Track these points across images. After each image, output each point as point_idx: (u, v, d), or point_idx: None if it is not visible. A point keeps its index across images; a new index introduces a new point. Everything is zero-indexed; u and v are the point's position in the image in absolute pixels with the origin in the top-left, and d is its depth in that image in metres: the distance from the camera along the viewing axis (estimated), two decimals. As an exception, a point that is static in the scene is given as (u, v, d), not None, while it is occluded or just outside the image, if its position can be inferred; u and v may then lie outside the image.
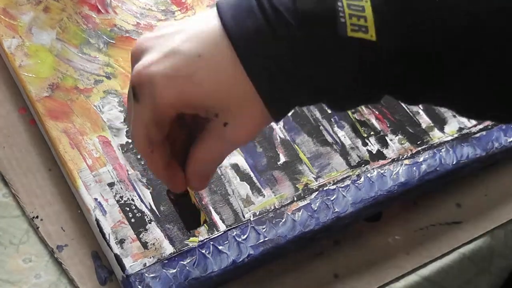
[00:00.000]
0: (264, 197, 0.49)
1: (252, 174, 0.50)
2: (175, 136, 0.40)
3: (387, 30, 0.35)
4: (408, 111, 0.54)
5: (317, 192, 0.49)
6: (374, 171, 0.51)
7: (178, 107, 0.36)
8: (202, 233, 0.46)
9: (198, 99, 0.36)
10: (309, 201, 0.49)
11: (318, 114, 0.53)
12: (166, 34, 0.37)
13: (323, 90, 0.36)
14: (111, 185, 0.48)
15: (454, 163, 0.52)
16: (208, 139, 0.38)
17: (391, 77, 0.36)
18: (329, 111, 0.53)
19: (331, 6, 0.35)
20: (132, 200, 0.47)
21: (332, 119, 0.53)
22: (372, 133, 0.53)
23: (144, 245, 0.46)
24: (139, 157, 0.49)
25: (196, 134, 0.39)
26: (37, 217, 0.48)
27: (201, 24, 0.36)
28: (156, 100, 0.36)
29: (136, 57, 0.37)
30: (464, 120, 0.54)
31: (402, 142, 0.53)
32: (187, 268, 0.45)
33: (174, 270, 0.45)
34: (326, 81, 0.36)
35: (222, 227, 0.47)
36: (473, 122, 0.54)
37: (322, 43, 0.35)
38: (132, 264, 0.45)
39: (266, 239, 0.47)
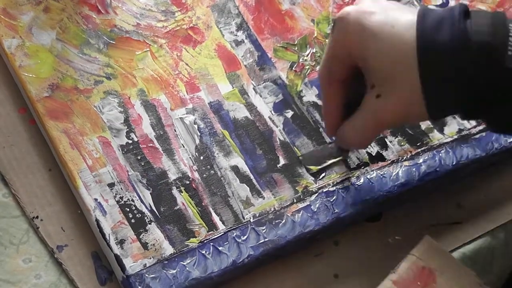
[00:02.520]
0: (264, 199, 0.49)
1: (252, 176, 0.50)
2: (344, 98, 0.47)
3: None
4: (408, 112, 0.54)
5: (316, 194, 0.49)
6: (373, 173, 0.51)
7: (353, 51, 0.43)
8: (202, 234, 0.47)
9: (369, 56, 0.42)
10: (309, 203, 0.49)
11: (318, 117, 0.53)
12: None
13: (477, 111, 0.42)
14: (111, 185, 0.48)
15: (453, 164, 0.52)
16: (358, 112, 0.45)
17: None
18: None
19: (503, 40, 0.40)
20: (132, 200, 0.47)
21: (332, 120, 0.53)
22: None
23: (144, 245, 0.46)
24: (139, 158, 0.49)
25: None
26: (37, 217, 0.48)
27: (406, 12, 0.43)
28: (343, 36, 0.44)
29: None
30: (463, 121, 0.54)
31: (402, 143, 0.53)
32: (187, 268, 0.45)
33: (174, 271, 0.45)
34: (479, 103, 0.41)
35: (222, 228, 0.47)
36: (473, 123, 0.54)
37: (486, 70, 0.40)
38: (132, 265, 0.45)
39: (266, 239, 0.47)
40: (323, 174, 0.50)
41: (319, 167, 0.50)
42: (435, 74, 0.41)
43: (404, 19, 0.42)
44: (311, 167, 0.50)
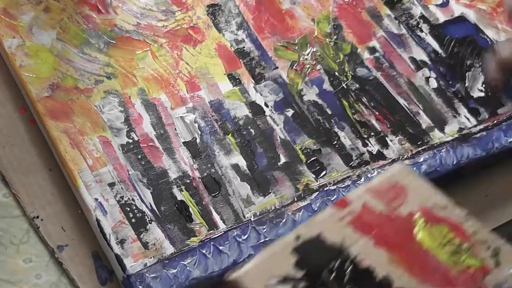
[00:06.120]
0: (264, 197, 0.49)
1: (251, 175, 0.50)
2: None
3: None
4: (408, 111, 0.54)
5: (317, 193, 0.49)
6: (374, 172, 0.51)
7: None
8: (203, 233, 0.47)
9: None
10: (309, 202, 0.49)
11: (318, 115, 0.53)
12: None
13: None
14: (111, 185, 0.48)
15: (454, 163, 0.52)
16: None
17: None
18: (330, 112, 0.53)
19: None
20: (133, 200, 0.47)
21: (332, 120, 0.53)
22: (372, 133, 0.53)
23: (145, 245, 0.46)
24: (139, 157, 0.49)
25: None
26: (37, 217, 0.48)
27: None
28: None
29: None
30: (464, 120, 0.54)
31: (402, 142, 0.53)
32: (187, 268, 0.45)
33: (175, 270, 0.45)
34: None
35: (222, 227, 0.47)
36: (473, 122, 0.54)
37: None
38: (132, 264, 0.45)
39: (266, 239, 0.47)
40: (323, 172, 0.50)
41: None
42: None
43: None
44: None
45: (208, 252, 0.46)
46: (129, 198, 0.47)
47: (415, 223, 0.40)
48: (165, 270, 0.45)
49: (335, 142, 0.52)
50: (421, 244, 0.40)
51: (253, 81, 0.54)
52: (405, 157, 0.52)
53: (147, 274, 0.44)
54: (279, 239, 0.39)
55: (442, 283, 0.38)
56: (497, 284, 0.38)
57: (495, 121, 0.54)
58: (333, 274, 0.37)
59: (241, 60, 0.55)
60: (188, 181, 0.49)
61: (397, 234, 0.40)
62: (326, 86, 0.55)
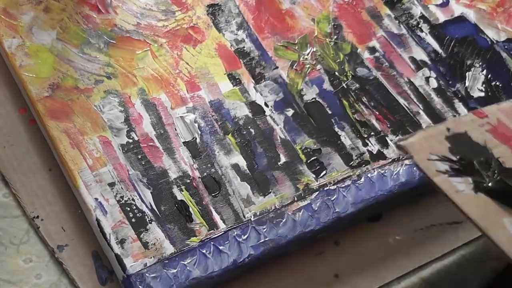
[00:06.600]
0: (264, 197, 0.49)
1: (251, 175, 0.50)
2: None
3: None
4: (408, 111, 0.54)
5: (317, 192, 0.49)
6: (374, 171, 0.51)
7: None
8: (203, 233, 0.47)
9: None
10: (309, 201, 0.49)
11: (318, 115, 0.53)
12: None
13: None
14: (111, 185, 0.48)
15: (454, 163, 0.52)
16: None
17: None
18: (330, 112, 0.53)
19: None
20: (133, 200, 0.47)
21: (332, 119, 0.53)
22: (372, 133, 0.53)
23: (145, 245, 0.46)
24: (139, 157, 0.49)
25: None
26: (37, 217, 0.48)
27: None
28: None
29: None
30: (464, 120, 0.54)
31: (403, 142, 0.53)
32: (187, 268, 0.45)
33: (175, 270, 0.45)
34: None
35: (222, 227, 0.47)
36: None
37: None
38: (132, 264, 0.45)
39: (266, 239, 0.47)
40: (323, 172, 0.50)
41: None
42: None
43: None
44: None
45: (208, 252, 0.46)
46: (129, 198, 0.47)
47: None
48: (165, 270, 0.45)
49: (335, 141, 0.52)
50: None
51: (253, 81, 0.54)
52: (405, 156, 0.52)
53: (147, 274, 0.44)
54: (431, 126, 0.43)
55: None
56: None
57: (495, 121, 0.54)
58: (483, 165, 0.40)
59: (241, 60, 0.55)
60: (188, 181, 0.49)
61: None
62: (326, 86, 0.55)
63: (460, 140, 0.41)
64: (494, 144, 0.41)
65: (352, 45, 0.57)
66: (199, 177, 0.49)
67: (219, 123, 0.52)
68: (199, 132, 0.51)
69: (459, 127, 0.42)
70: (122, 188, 0.48)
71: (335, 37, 0.57)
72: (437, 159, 0.39)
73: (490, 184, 0.39)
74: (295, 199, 0.49)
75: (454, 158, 0.40)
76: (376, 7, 0.59)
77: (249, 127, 0.52)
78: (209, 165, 0.50)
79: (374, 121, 0.53)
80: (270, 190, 0.49)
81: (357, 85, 0.55)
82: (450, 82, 0.56)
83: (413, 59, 0.57)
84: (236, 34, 0.56)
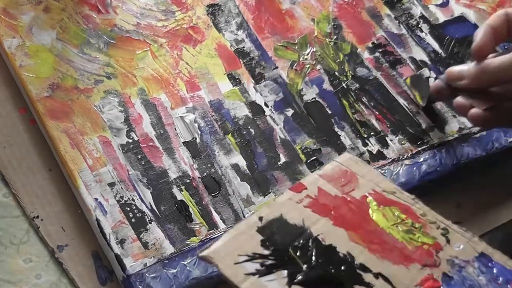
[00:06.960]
0: (264, 197, 0.49)
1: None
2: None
3: None
4: (408, 111, 0.54)
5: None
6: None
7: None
8: (202, 233, 0.47)
9: None
10: (309, 201, 0.49)
11: (318, 115, 0.53)
12: None
13: None
14: (111, 185, 0.48)
15: (454, 163, 0.52)
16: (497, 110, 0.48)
17: None
18: (330, 112, 0.53)
19: None
20: (133, 200, 0.47)
21: (332, 119, 0.53)
22: (372, 133, 0.53)
23: (145, 245, 0.46)
24: (139, 157, 0.49)
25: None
26: (37, 217, 0.48)
27: None
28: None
29: None
30: (464, 120, 0.54)
31: (402, 142, 0.53)
32: (187, 268, 0.45)
33: (175, 270, 0.45)
34: None
35: (222, 227, 0.47)
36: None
37: None
38: (132, 264, 0.45)
39: (266, 239, 0.47)
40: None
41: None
42: None
43: None
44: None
45: (208, 252, 0.46)
46: (129, 198, 0.47)
47: (369, 205, 0.42)
48: (165, 270, 0.45)
49: (335, 141, 0.52)
50: (376, 224, 0.41)
51: (253, 81, 0.54)
52: (405, 156, 0.52)
53: (147, 274, 0.44)
54: (243, 221, 0.41)
55: (401, 258, 0.39)
56: (450, 259, 0.40)
57: (495, 121, 0.54)
58: (299, 251, 0.39)
59: (241, 60, 0.55)
60: (188, 181, 0.49)
61: (354, 215, 0.41)
62: (326, 86, 0.55)
63: (275, 227, 0.40)
64: (313, 221, 0.40)
65: (352, 45, 0.57)
66: (199, 177, 0.49)
67: (219, 123, 0.52)
68: (199, 132, 0.51)
69: (273, 212, 0.40)
70: (122, 188, 0.48)
71: (335, 37, 0.57)
72: (246, 260, 0.37)
73: (305, 273, 0.37)
74: (295, 199, 0.49)
75: (267, 252, 0.38)
76: (376, 7, 0.59)
77: (249, 127, 0.52)
78: (209, 165, 0.50)
79: (374, 121, 0.53)
80: (270, 190, 0.49)
81: (357, 85, 0.55)
82: (450, 82, 0.56)
83: (413, 59, 0.57)
84: (236, 34, 0.56)
